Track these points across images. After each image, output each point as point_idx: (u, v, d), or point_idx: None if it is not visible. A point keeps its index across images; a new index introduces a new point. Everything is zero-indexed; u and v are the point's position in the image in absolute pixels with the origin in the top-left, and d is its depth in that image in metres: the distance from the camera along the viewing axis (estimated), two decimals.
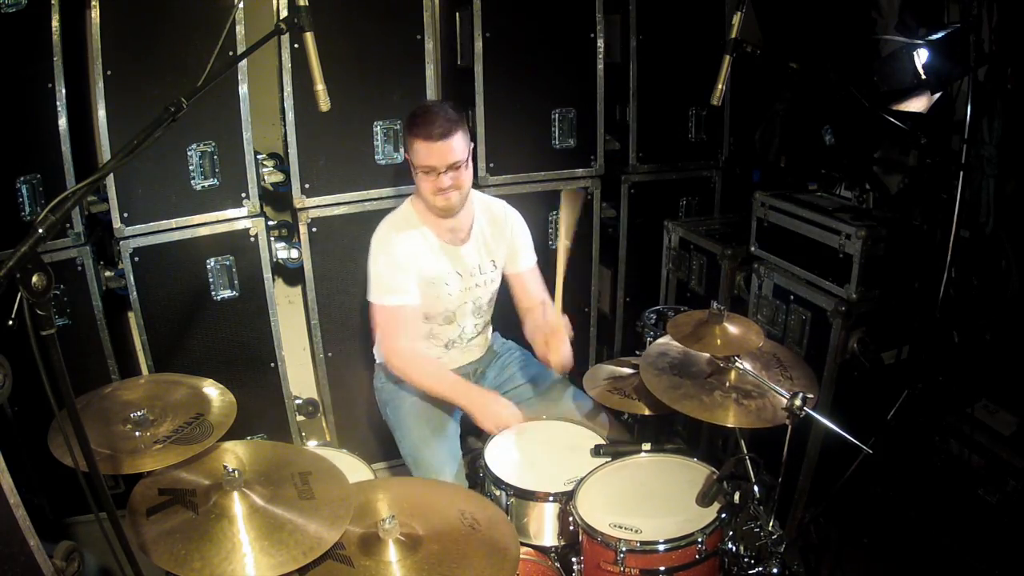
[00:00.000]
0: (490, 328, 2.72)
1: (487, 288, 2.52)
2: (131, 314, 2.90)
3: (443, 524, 1.73)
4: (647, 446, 2.20)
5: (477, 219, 2.49)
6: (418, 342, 2.41)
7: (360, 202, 2.96)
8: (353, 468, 2.23)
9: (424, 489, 2.03)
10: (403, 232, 2.36)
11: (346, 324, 3.07)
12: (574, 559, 2.05)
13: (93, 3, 2.47)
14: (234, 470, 1.61)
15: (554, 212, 3.27)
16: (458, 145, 2.23)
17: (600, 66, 3.18)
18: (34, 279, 1.14)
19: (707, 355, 2.21)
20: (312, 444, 3.11)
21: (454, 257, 2.43)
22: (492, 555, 1.65)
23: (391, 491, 1.88)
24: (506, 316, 2.85)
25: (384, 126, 2.92)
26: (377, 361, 2.67)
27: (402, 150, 2.86)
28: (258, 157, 2.92)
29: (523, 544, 2.09)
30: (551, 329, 2.33)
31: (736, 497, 1.93)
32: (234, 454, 1.79)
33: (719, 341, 2.14)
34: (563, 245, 2.30)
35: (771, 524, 1.93)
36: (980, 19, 2.38)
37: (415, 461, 2.38)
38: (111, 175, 2.52)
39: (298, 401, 3.38)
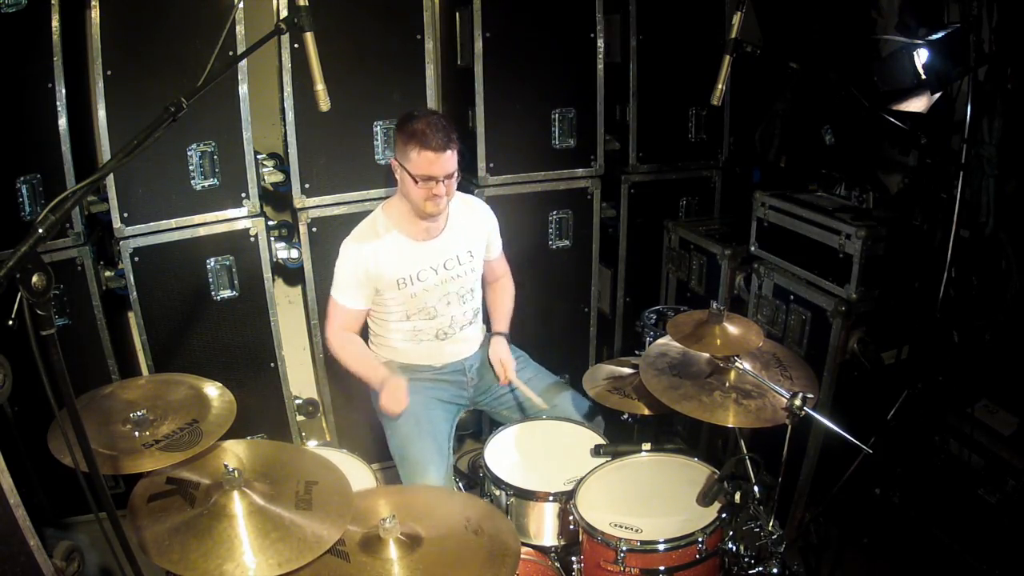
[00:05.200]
0: (481, 321, 2.72)
1: (467, 277, 2.55)
2: (131, 314, 2.91)
3: (445, 528, 1.72)
4: (647, 446, 2.20)
5: (453, 212, 2.52)
6: (348, 334, 2.53)
7: (360, 202, 2.96)
8: (353, 468, 2.24)
9: (430, 495, 2.04)
10: (366, 243, 2.42)
11: None
12: (574, 559, 2.05)
13: (93, 3, 2.47)
14: (234, 469, 1.62)
15: (554, 212, 3.27)
16: (455, 155, 2.31)
17: (600, 66, 3.18)
18: (34, 279, 1.14)
19: (707, 355, 2.21)
20: (312, 444, 3.11)
21: (428, 252, 2.46)
22: (491, 559, 1.64)
23: (396, 498, 1.88)
24: None
25: (384, 126, 2.91)
26: None
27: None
28: (258, 157, 2.92)
29: (523, 544, 2.10)
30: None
31: (736, 497, 1.94)
32: (240, 455, 1.79)
33: (719, 341, 2.14)
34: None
35: (771, 524, 1.93)
36: (980, 19, 2.37)
37: (402, 457, 2.39)
38: (111, 175, 2.52)
39: (298, 401, 3.38)
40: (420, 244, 2.45)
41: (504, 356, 2.59)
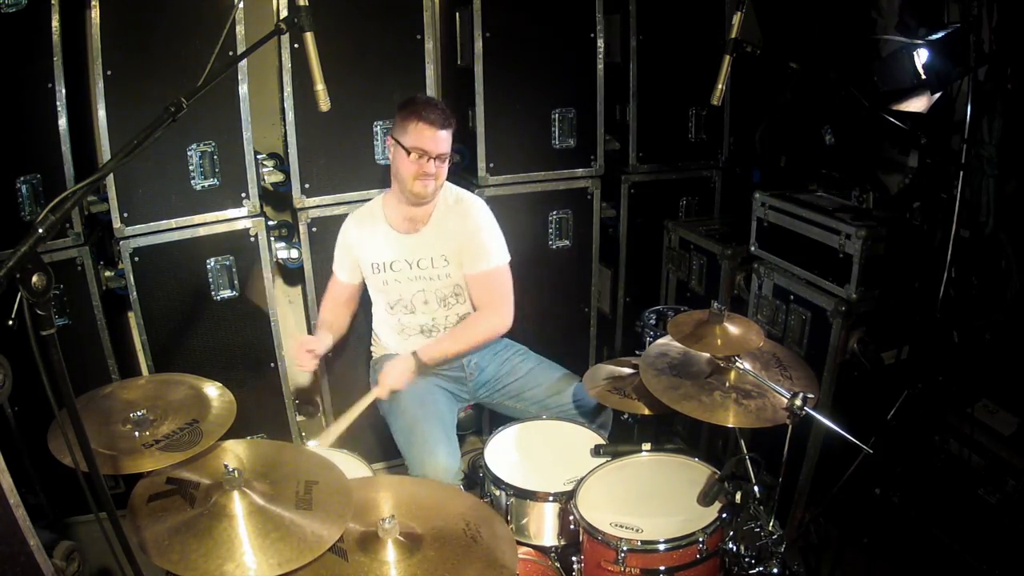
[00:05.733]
0: None
1: (443, 282, 2.55)
2: (131, 314, 2.91)
3: (445, 530, 1.72)
4: (647, 446, 2.20)
5: (439, 214, 2.53)
6: (330, 305, 2.70)
7: (360, 202, 2.95)
8: (353, 468, 2.24)
9: (430, 492, 2.03)
10: (356, 221, 2.62)
11: None
12: (574, 559, 2.05)
13: (93, 3, 2.47)
14: (234, 469, 1.61)
15: (554, 212, 3.27)
16: (450, 139, 2.40)
17: (600, 66, 3.18)
18: (34, 279, 1.14)
19: (707, 355, 2.20)
20: (312, 444, 3.10)
21: (405, 245, 2.52)
22: (488, 567, 1.64)
23: (396, 490, 1.88)
24: None
25: (384, 126, 2.91)
26: (373, 357, 2.72)
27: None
28: (258, 157, 2.92)
29: (523, 544, 2.10)
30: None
31: (737, 497, 1.94)
32: (240, 455, 1.79)
33: (719, 341, 2.13)
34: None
35: (771, 524, 1.93)
36: (980, 19, 2.37)
37: (408, 441, 2.38)
38: (111, 175, 2.52)
39: (298, 401, 3.38)
40: (400, 235, 2.52)
41: (387, 380, 2.41)
